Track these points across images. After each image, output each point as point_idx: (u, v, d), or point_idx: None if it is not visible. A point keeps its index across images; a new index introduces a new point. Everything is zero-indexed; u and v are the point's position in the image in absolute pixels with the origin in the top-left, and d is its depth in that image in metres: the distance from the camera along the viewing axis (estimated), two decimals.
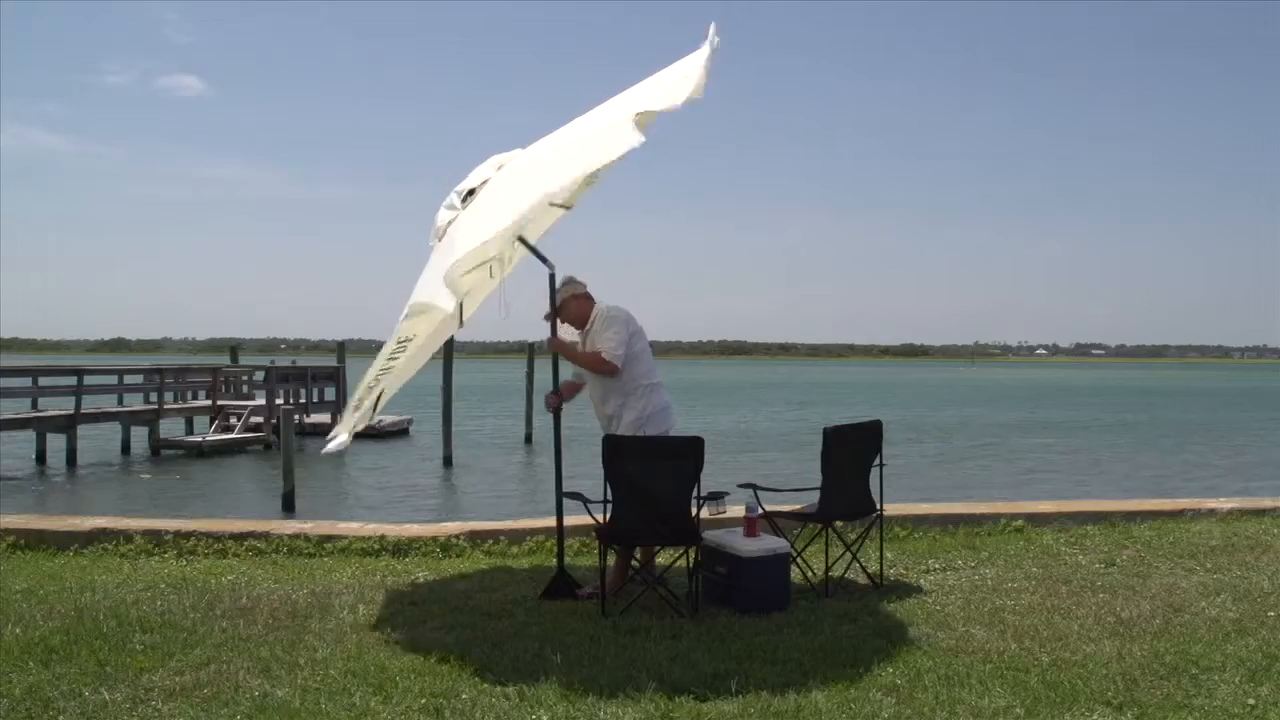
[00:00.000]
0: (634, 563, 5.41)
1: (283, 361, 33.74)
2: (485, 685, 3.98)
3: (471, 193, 5.53)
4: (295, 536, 6.99)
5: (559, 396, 5.63)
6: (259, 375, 28.86)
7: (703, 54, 4.79)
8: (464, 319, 6.04)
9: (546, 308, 5.57)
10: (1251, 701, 3.80)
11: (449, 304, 4.55)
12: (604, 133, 4.79)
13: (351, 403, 6.15)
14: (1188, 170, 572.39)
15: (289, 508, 16.61)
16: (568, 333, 5.65)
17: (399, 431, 29.18)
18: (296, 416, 23.12)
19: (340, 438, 6.09)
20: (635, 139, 4.41)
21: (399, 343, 5.41)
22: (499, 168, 5.58)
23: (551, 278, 5.51)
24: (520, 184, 5.02)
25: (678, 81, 4.70)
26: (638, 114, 4.49)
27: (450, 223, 5.49)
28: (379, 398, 5.93)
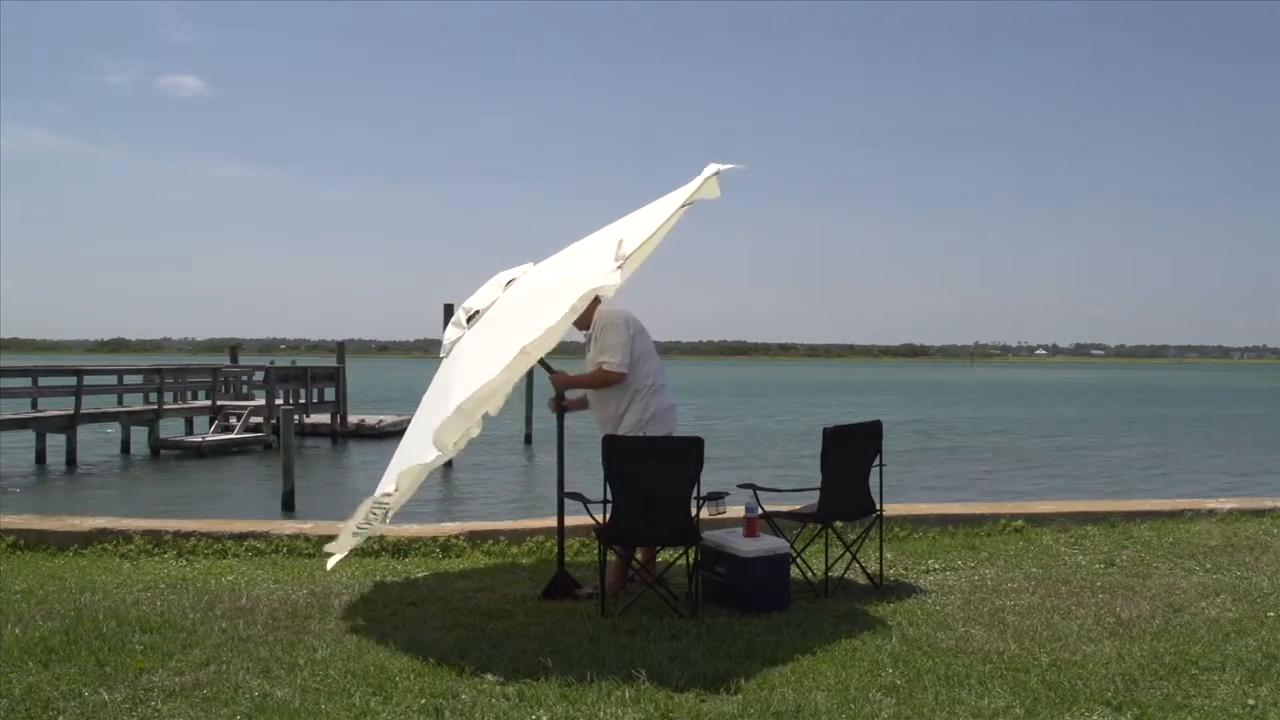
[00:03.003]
0: (634, 563, 5.41)
1: (283, 361, 33.75)
2: (485, 685, 3.98)
3: (476, 314, 5.46)
4: (295, 536, 6.99)
5: (560, 401, 5.61)
6: (259, 375, 28.90)
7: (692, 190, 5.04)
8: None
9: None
10: (1251, 701, 3.81)
11: (431, 457, 4.69)
12: (588, 279, 4.72)
13: (350, 523, 5.75)
14: (1188, 170, 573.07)
15: (289, 508, 16.65)
16: (575, 335, 5.61)
17: (398, 432, 29.03)
18: (296, 417, 23.14)
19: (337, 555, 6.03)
20: (612, 281, 4.50)
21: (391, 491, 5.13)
22: (507, 285, 5.52)
23: None
24: (504, 336, 4.81)
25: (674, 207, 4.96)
26: (627, 254, 4.63)
27: (456, 341, 5.44)
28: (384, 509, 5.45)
